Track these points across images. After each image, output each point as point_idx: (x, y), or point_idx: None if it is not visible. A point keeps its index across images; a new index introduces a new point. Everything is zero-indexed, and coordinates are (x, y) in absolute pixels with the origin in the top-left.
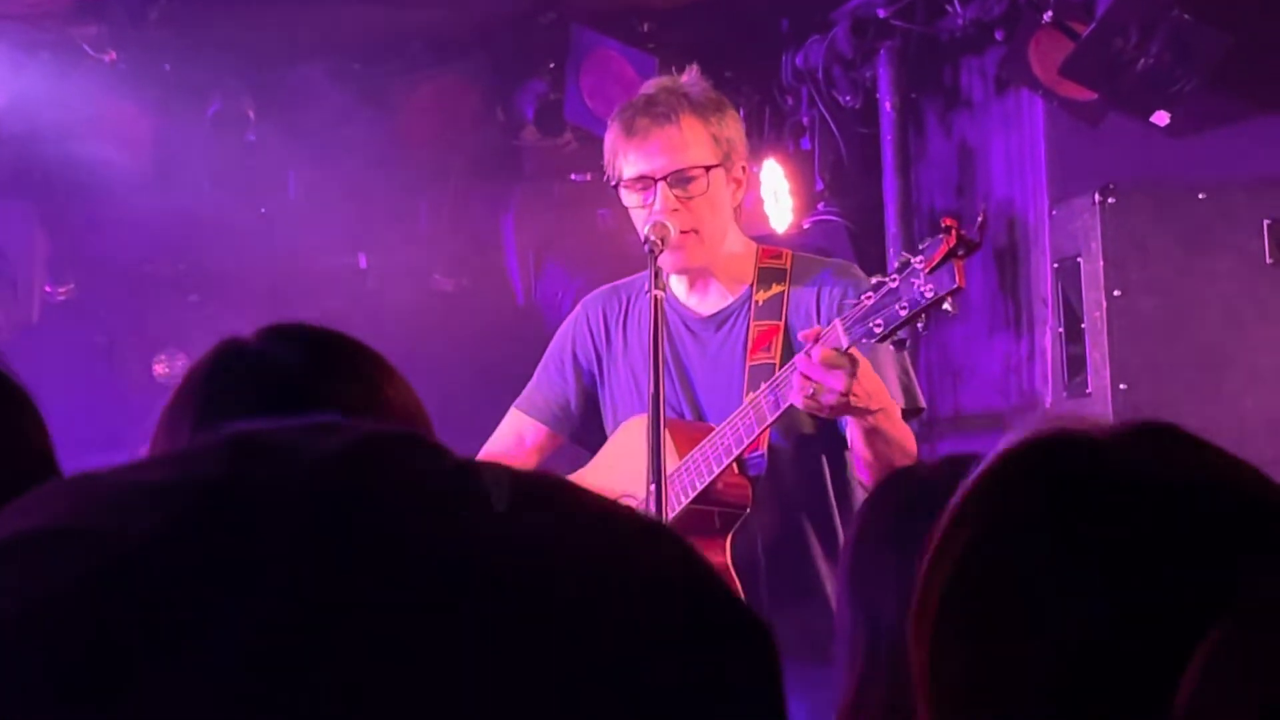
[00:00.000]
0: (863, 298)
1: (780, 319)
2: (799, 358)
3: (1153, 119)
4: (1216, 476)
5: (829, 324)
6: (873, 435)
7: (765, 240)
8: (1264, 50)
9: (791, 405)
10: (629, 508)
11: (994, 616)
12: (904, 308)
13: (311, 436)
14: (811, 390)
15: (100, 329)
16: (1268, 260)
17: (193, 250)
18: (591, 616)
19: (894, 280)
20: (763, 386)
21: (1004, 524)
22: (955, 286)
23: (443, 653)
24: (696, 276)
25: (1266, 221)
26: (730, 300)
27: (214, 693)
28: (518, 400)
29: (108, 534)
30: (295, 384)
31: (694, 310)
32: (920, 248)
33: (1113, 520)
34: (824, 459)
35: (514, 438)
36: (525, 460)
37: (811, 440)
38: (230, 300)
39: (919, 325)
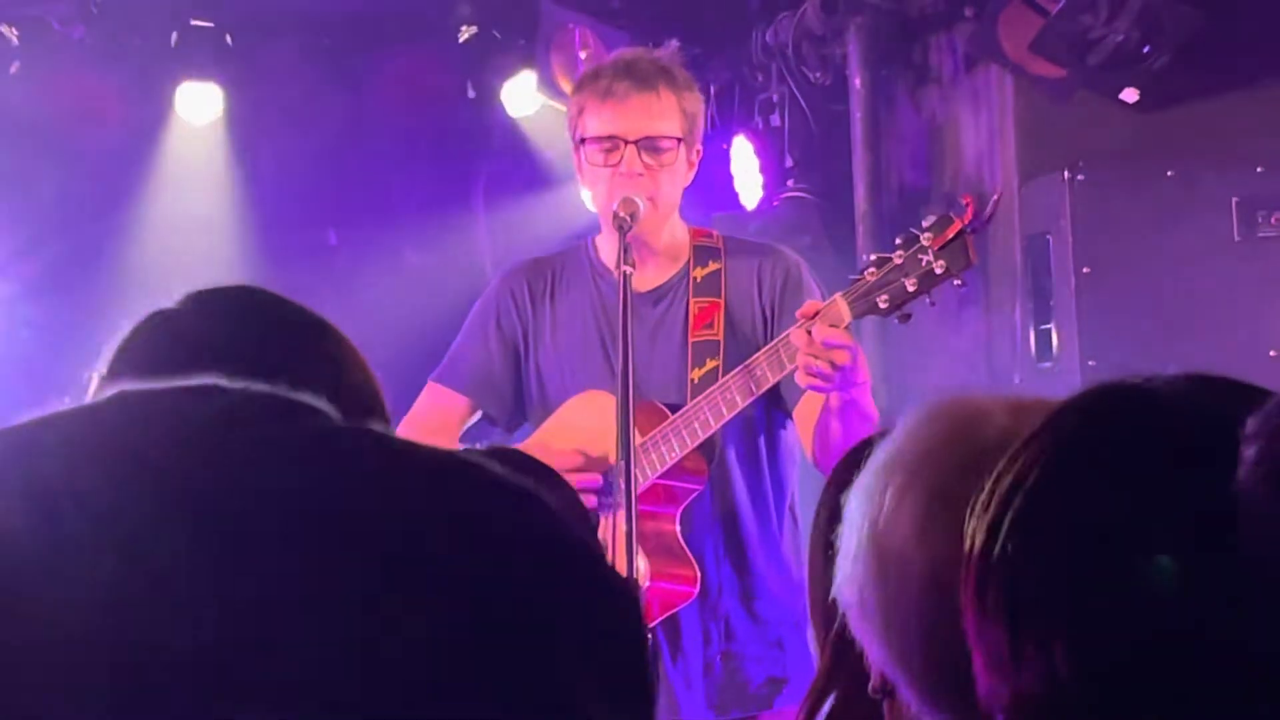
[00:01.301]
0: (865, 273)
1: (720, 296)
2: (796, 334)
3: (1122, 96)
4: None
5: (827, 300)
6: (849, 408)
7: (728, 218)
8: (1233, 27)
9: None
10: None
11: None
12: (913, 283)
13: (191, 400)
14: (816, 367)
15: (70, 304)
16: (1236, 237)
17: (162, 226)
18: (423, 572)
19: (899, 256)
20: (749, 361)
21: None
22: (968, 263)
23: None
24: (635, 251)
25: (1235, 199)
26: (668, 277)
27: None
28: (436, 373)
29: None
30: (211, 348)
31: (631, 286)
32: (924, 225)
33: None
34: (763, 438)
35: (436, 410)
36: (451, 432)
37: (752, 420)
38: (200, 276)
39: (928, 300)
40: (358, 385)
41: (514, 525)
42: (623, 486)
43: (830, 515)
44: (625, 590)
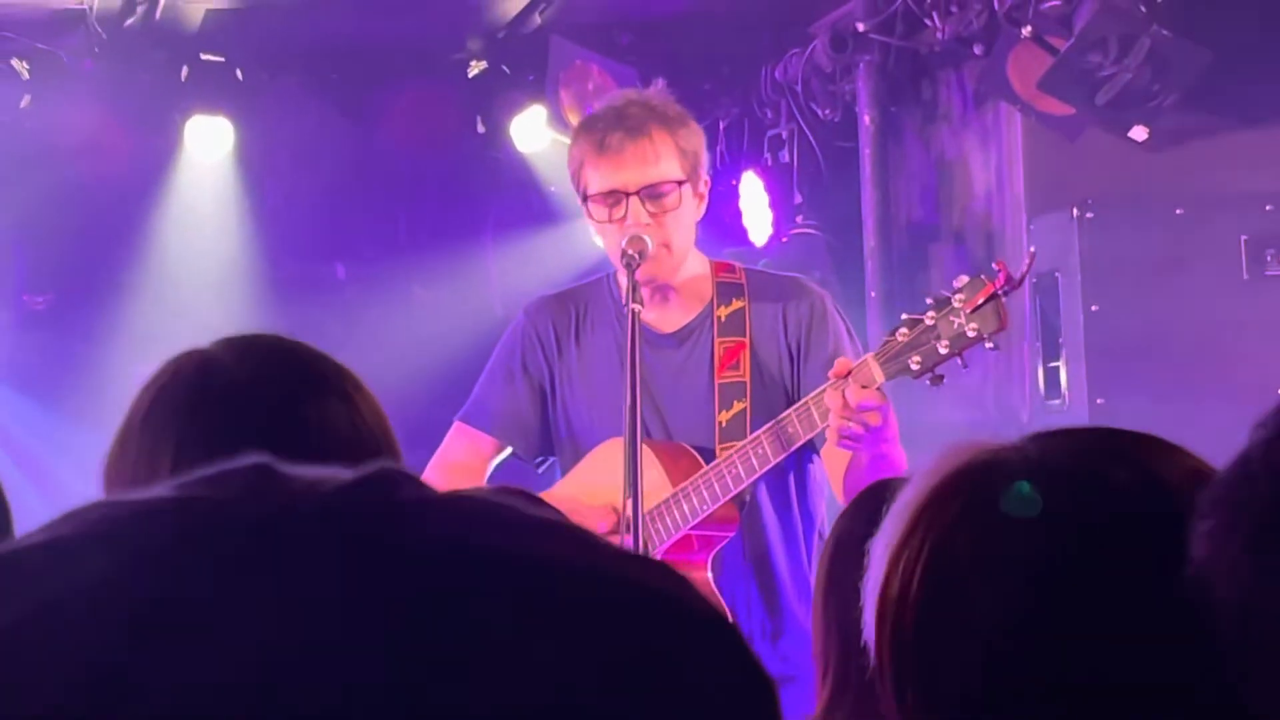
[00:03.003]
0: (896, 334)
1: (745, 335)
2: (830, 395)
3: (1131, 134)
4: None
5: (859, 358)
6: (879, 462)
7: (737, 254)
8: (1242, 66)
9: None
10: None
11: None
12: (945, 346)
13: (332, 471)
14: (850, 429)
15: (80, 336)
16: (1244, 276)
17: (171, 259)
18: (594, 640)
19: (931, 318)
20: (780, 418)
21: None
22: (1000, 326)
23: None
24: (656, 292)
25: (1244, 237)
26: (691, 317)
27: (222, 700)
28: (462, 413)
29: (122, 542)
30: (272, 407)
31: (654, 326)
32: (956, 286)
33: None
34: (792, 476)
35: (465, 451)
36: (476, 473)
37: (784, 466)
38: (209, 309)
39: (959, 362)
40: (372, 429)
41: (664, 602)
42: (632, 529)
43: (833, 559)
44: (767, 682)
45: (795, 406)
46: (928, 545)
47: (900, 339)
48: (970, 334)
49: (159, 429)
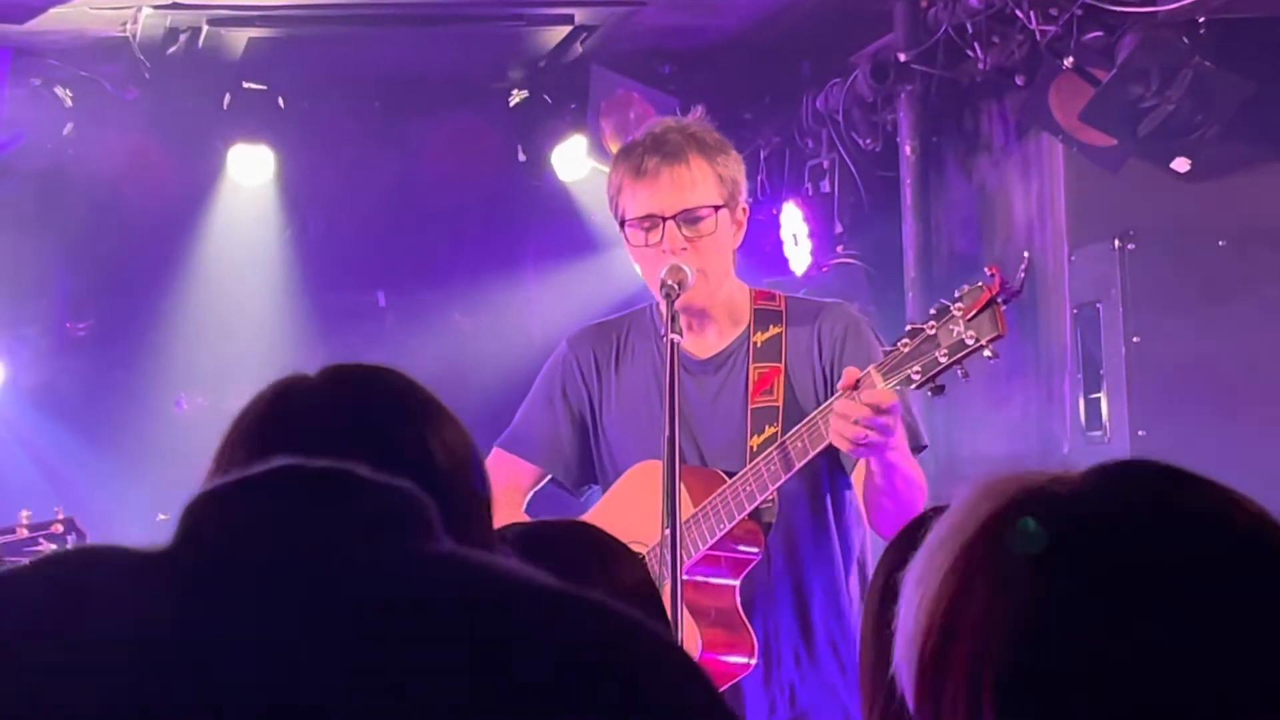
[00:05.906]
0: (899, 344)
1: (780, 361)
2: (842, 402)
3: (1173, 165)
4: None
5: (864, 370)
6: (891, 473)
7: (777, 283)
8: None
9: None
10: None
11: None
12: (944, 354)
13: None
14: (861, 435)
15: (121, 364)
16: None
17: (212, 286)
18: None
19: (931, 327)
20: (786, 435)
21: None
22: (997, 333)
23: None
24: (693, 318)
25: None
26: (728, 343)
27: None
28: (502, 439)
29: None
30: (347, 429)
31: (691, 353)
32: (957, 295)
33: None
34: (829, 500)
35: (503, 476)
36: (517, 500)
37: (818, 484)
38: (250, 338)
39: (959, 372)
40: (458, 471)
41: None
42: (669, 558)
43: (884, 591)
44: None
45: (804, 422)
46: (984, 583)
47: (903, 349)
48: (969, 341)
49: (249, 456)
